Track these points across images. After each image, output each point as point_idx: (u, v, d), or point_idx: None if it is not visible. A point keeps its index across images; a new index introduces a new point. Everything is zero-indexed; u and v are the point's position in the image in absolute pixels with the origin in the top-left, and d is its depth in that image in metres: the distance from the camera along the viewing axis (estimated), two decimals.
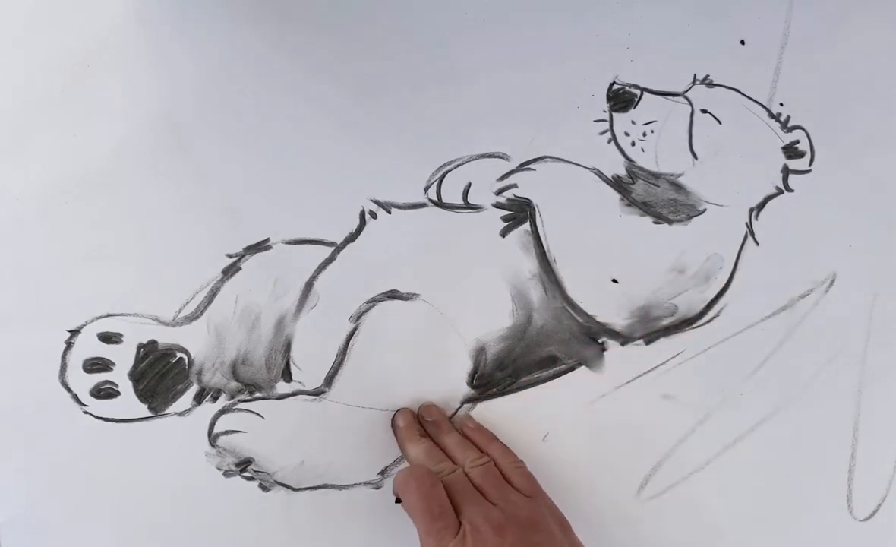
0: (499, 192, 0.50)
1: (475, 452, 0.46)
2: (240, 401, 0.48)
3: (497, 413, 0.49)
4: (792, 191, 0.51)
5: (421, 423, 0.48)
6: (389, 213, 0.49)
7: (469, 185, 0.50)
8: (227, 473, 0.47)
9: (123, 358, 0.47)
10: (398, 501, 0.43)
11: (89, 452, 0.47)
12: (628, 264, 0.50)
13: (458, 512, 0.41)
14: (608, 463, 0.49)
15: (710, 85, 0.51)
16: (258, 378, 0.48)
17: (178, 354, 0.47)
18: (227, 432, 0.47)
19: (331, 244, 0.49)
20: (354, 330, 0.48)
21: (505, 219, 0.50)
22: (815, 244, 0.51)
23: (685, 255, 0.50)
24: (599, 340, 0.49)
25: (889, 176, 0.51)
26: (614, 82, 0.51)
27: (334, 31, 0.49)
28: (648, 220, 0.50)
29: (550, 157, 0.50)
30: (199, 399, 0.47)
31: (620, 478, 0.49)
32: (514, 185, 0.50)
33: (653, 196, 0.50)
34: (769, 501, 0.50)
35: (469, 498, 0.42)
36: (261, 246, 0.48)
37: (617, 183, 0.50)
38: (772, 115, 0.51)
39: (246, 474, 0.47)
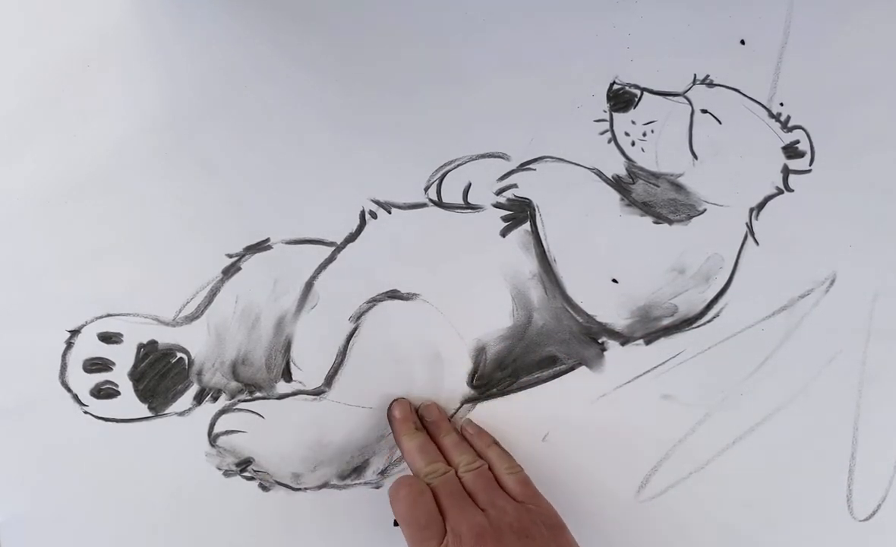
0: (499, 192, 0.50)
1: (471, 454, 0.46)
2: (240, 401, 0.48)
3: (497, 413, 0.49)
4: (792, 191, 0.51)
5: (421, 421, 0.48)
6: (389, 213, 0.49)
7: (469, 185, 0.49)
8: (227, 473, 0.47)
9: (123, 358, 0.47)
10: (396, 523, 0.43)
11: (89, 452, 0.47)
12: (628, 264, 0.50)
13: (445, 518, 0.42)
14: (608, 463, 0.49)
15: (710, 85, 0.51)
16: (258, 378, 0.48)
17: (178, 354, 0.47)
18: (227, 432, 0.47)
19: (331, 244, 0.49)
20: (354, 330, 0.48)
21: (505, 219, 0.50)
22: (815, 244, 0.50)
23: (685, 256, 0.50)
24: (599, 340, 0.49)
25: (889, 176, 0.51)
26: (614, 82, 0.51)
27: (334, 31, 0.49)
28: (648, 220, 0.50)
29: (550, 158, 0.50)
30: (199, 399, 0.47)
31: (620, 478, 0.49)
32: (514, 185, 0.50)
33: (653, 196, 0.50)
34: (769, 502, 0.49)
35: (457, 503, 0.42)
36: (261, 246, 0.48)
37: (617, 183, 0.50)
38: (772, 115, 0.51)
39: (246, 474, 0.47)
